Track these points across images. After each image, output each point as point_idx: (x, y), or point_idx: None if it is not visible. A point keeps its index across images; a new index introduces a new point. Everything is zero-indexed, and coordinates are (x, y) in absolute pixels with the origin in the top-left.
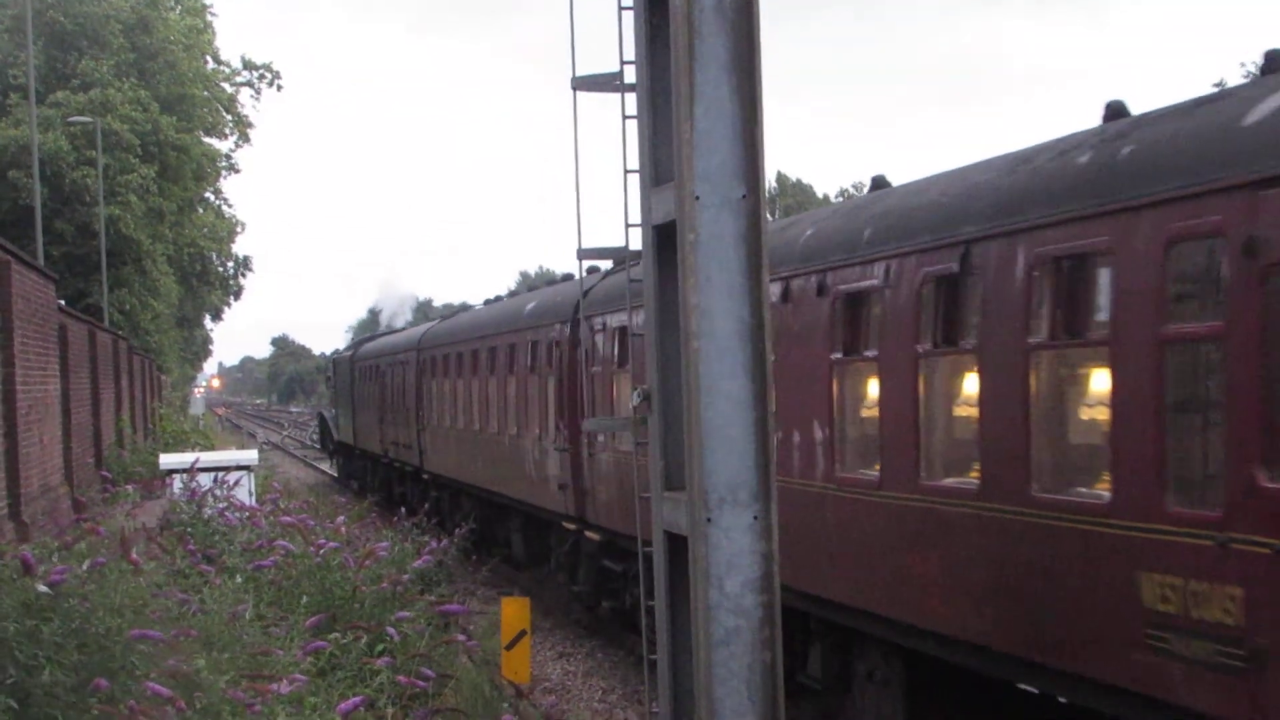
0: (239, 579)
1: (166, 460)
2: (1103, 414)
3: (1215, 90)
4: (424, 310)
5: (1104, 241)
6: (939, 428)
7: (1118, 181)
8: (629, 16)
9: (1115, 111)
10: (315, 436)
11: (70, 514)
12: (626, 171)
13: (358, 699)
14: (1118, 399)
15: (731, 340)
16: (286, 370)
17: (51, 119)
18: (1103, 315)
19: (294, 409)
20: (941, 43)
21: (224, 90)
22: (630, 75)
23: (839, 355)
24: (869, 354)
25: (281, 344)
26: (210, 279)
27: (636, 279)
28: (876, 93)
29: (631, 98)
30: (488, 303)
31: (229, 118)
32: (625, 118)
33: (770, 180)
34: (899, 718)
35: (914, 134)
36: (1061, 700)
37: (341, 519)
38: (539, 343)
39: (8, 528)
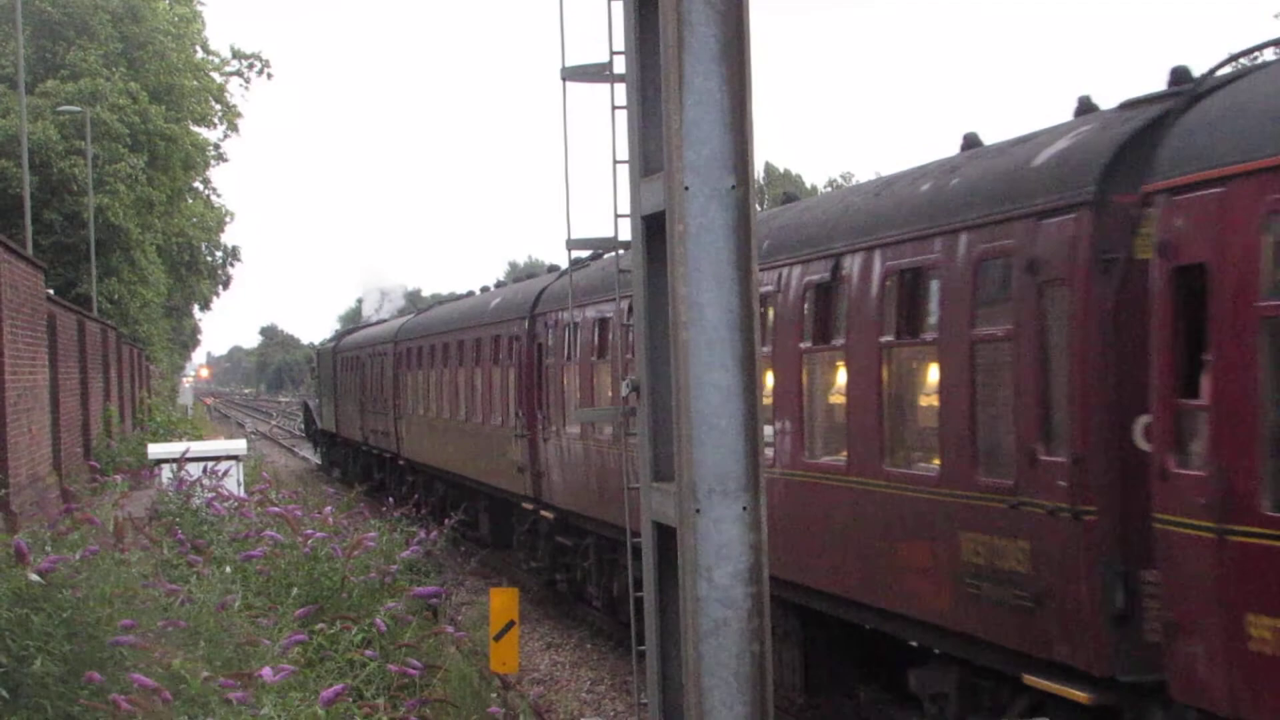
0: (227, 569)
1: (155, 450)
2: (934, 401)
3: (1029, 132)
4: (413, 300)
5: (935, 258)
6: (819, 413)
7: (947, 208)
8: (618, 7)
9: (969, 142)
10: (303, 425)
11: (59, 504)
12: (616, 162)
13: (339, 687)
14: (944, 389)
15: (720, 331)
16: (275, 360)
17: (41, 108)
18: (933, 319)
19: (282, 398)
20: (938, 30)
21: (213, 80)
22: (620, 66)
23: None
24: (765, 350)
25: (270, 333)
26: (199, 268)
27: (626, 269)
28: (873, 80)
29: (621, 88)
30: (459, 297)
31: (218, 107)
32: (615, 108)
33: (759, 171)
34: (797, 664)
35: (911, 121)
36: (913, 644)
37: (329, 509)
38: (501, 337)
39: None
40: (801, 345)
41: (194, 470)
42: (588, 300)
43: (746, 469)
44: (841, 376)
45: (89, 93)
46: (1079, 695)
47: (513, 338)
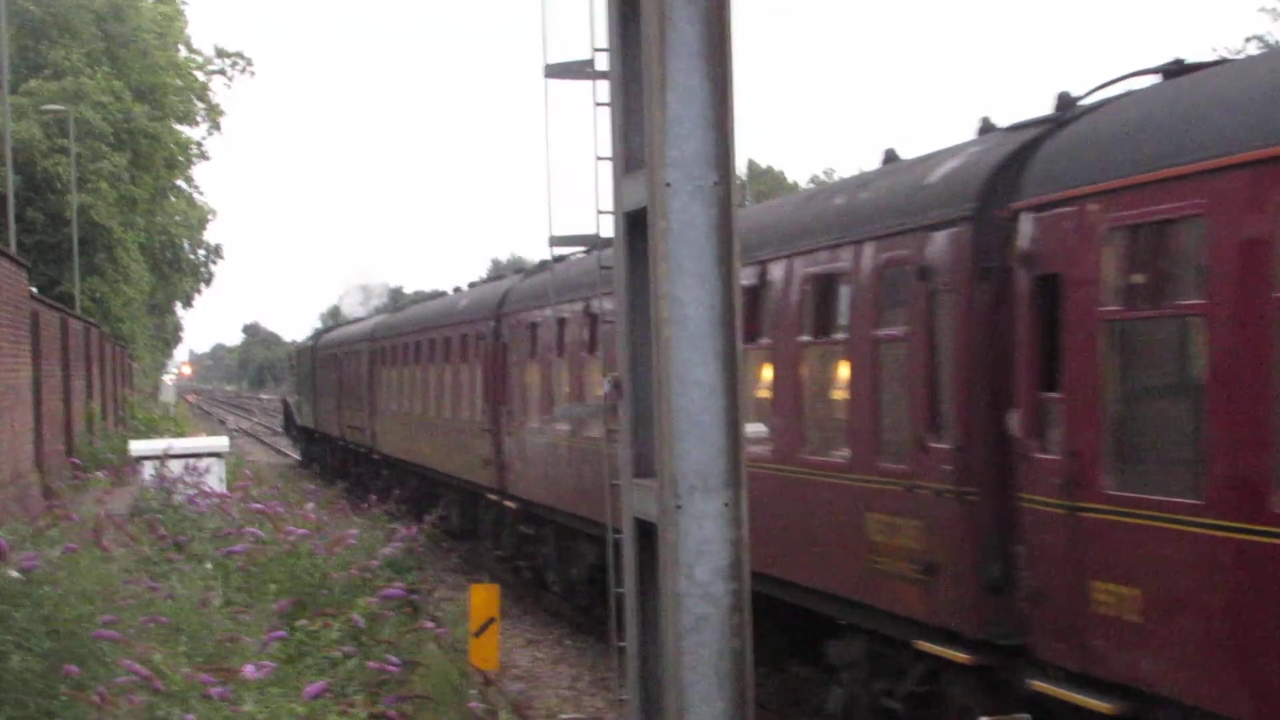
0: (208, 566)
1: (137, 447)
2: (844, 395)
3: (932, 151)
4: (395, 297)
5: (846, 265)
6: (750, 407)
7: (855, 220)
8: (600, 4)
9: (887, 158)
10: (283, 422)
11: (41, 501)
12: (598, 158)
13: (322, 684)
14: (853, 384)
15: (703, 328)
16: (257, 358)
17: (24, 107)
18: (844, 320)
19: (265, 396)
20: (926, 19)
21: (196, 79)
22: (602, 63)
23: None
24: None
25: (252, 331)
26: (182, 266)
27: (607, 265)
28: (858, 73)
29: (604, 85)
30: (435, 295)
31: (201, 106)
32: (597, 105)
33: (741, 167)
34: None
35: (897, 113)
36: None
37: (311, 505)
38: (468, 336)
39: None
40: None
41: (176, 467)
42: (547, 301)
43: (728, 465)
44: (767, 374)
45: (72, 92)
46: (961, 657)
47: (479, 336)
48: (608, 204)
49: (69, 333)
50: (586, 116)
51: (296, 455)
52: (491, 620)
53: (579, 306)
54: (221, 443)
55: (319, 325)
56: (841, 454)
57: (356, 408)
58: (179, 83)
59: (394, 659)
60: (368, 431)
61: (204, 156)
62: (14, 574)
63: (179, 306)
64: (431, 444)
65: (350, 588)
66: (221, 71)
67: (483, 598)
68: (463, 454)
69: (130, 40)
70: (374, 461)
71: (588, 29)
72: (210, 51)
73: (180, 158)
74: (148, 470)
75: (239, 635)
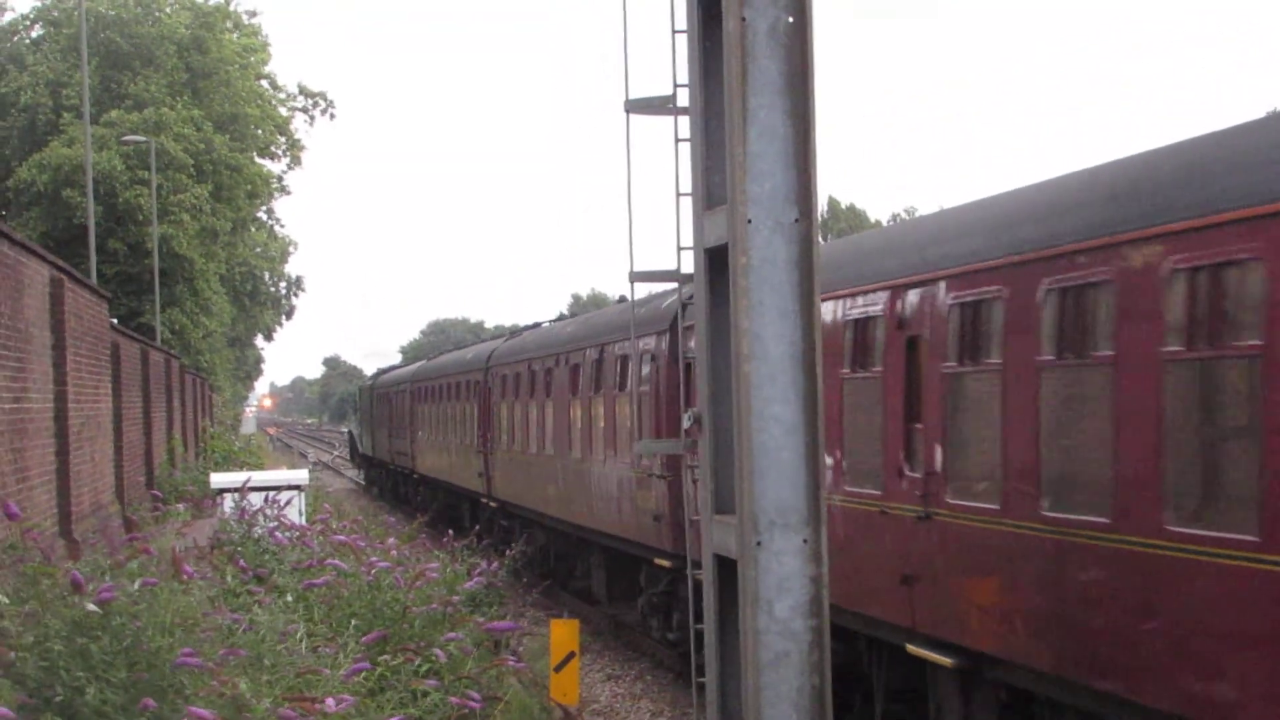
0: (289, 598)
1: (217, 479)
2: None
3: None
4: (475, 332)
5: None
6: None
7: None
8: (682, 40)
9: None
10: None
11: (122, 532)
12: (679, 194)
13: (400, 718)
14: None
15: (783, 364)
16: (338, 390)
17: (105, 138)
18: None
19: (344, 429)
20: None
21: (278, 112)
22: (683, 98)
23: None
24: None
25: (333, 364)
26: (262, 298)
27: (689, 300)
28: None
29: (685, 120)
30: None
31: (282, 139)
32: (678, 140)
33: (822, 205)
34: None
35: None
36: None
37: (393, 540)
38: (467, 383)
39: (58, 545)
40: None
41: (256, 500)
42: (531, 354)
43: (807, 502)
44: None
45: (153, 122)
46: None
47: (474, 383)
48: (688, 240)
49: (149, 364)
50: (668, 152)
51: (361, 480)
52: (571, 655)
53: (594, 352)
54: (301, 475)
55: (402, 359)
56: None
57: (402, 437)
58: (259, 113)
59: (475, 694)
60: (409, 455)
61: (285, 190)
62: (91, 607)
63: (260, 339)
64: (449, 462)
65: (431, 622)
66: (304, 109)
67: (563, 633)
68: (463, 468)
69: (211, 71)
70: (415, 480)
71: (669, 65)
72: (294, 89)
73: (261, 190)
74: (228, 502)
75: (320, 668)
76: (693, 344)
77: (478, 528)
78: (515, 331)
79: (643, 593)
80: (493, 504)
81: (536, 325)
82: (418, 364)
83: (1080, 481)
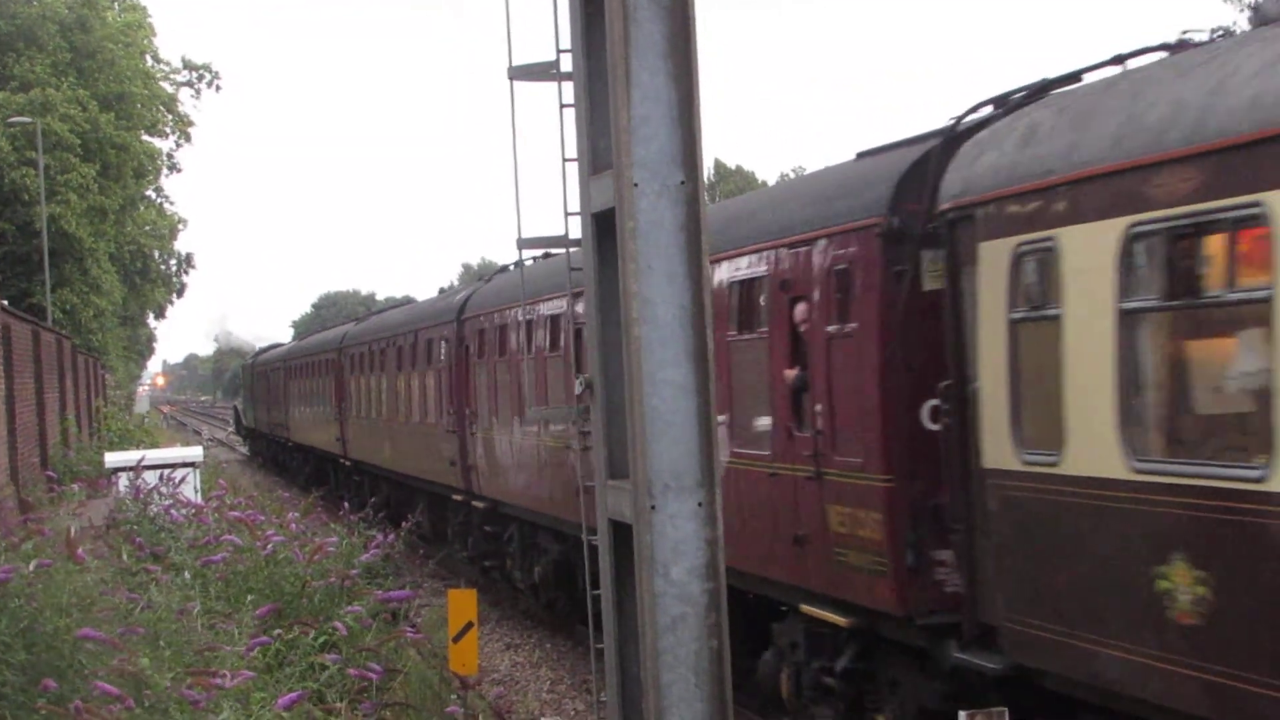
0: (186, 575)
1: (112, 459)
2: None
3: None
4: (366, 304)
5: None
6: None
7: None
8: (564, 5)
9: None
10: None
11: (16, 514)
12: (565, 160)
13: (298, 693)
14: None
15: (673, 328)
16: (231, 366)
17: None
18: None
19: (238, 404)
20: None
21: (164, 89)
22: (567, 64)
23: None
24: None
25: (225, 341)
26: (153, 276)
27: (576, 267)
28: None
29: (569, 86)
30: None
31: (169, 116)
32: (563, 106)
33: (708, 167)
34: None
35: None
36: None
37: (292, 515)
38: (326, 360)
39: None
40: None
41: (151, 478)
42: (372, 337)
43: (701, 465)
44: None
45: (39, 103)
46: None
47: (329, 362)
48: (576, 205)
49: (41, 345)
50: (553, 118)
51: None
52: (470, 625)
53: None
54: (196, 453)
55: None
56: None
57: (279, 409)
58: (145, 92)
59: (375, 666)
60: (285, 426)
61: (175, 168)
62: None
63: (151, 317)
64: (323, 430)
65: (329, 595)
66: (189, 83)
67: (460, 603)
68: (326, 435)
69: (95, 50)
70: (289, 447)
71: (552, 30)
72: (178, 63)
73: (149, 168)
74: (123, 482)
75: (218, 645)
76: (580, 308)
77: (333, 483)
78: (364, 316)
79: (450, 523)
80: (348, 463)
81: (394, 306)
82: (289, 345)
83: None
